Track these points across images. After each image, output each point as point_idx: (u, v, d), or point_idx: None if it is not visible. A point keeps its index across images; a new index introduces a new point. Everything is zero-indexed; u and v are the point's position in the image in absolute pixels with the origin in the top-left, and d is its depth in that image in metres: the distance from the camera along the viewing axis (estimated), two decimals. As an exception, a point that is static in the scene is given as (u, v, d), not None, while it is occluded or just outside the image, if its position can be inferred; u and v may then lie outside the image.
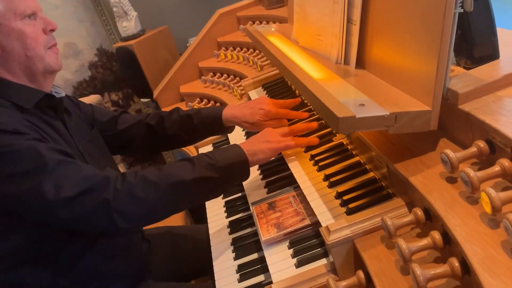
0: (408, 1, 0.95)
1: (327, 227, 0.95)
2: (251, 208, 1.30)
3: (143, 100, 3.13)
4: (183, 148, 2.18)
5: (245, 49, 2.37)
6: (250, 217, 1.33)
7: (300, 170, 1.26)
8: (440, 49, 0.84)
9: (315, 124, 1.34)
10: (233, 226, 1.34)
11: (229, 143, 1.73)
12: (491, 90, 0.88)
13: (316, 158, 1.26)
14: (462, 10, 0.83)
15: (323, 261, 1.02)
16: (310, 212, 1.14)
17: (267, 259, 1.10)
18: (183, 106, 2.58)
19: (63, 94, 1.28)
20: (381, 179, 1.08)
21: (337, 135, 1.31)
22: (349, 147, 1.25)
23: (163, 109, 2.57)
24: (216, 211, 1.45)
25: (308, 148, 1.32)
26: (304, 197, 1.15)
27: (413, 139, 0.99)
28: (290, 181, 1.32)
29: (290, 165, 1.30)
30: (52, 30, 1.19)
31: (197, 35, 2.67)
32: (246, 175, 1.19)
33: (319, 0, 1.33)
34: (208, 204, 1.50)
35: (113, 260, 1.24)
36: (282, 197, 1.28)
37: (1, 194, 1.01)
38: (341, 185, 1.12)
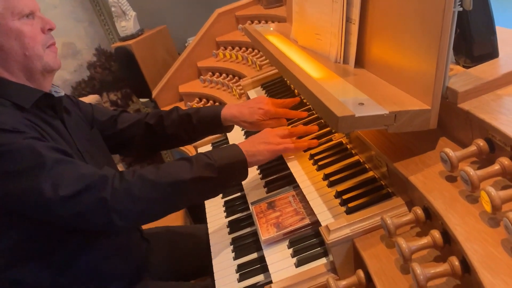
0: (407, 0, 0.95)
1: (326, 226, 0.95)
2: (250, 207, 1.30)
3: (142, 100, 3.13)
4: (182, 148, 2.18)
5: (244, 48, 2.37)
6: (250, 216, 1.33)
7: (300, 169, 1.26)
8: (439, 47, 0.84)
9: (315, 128, 1.34)
10: (233, 226, 1.34)
11: (228, 143, 1.73)
12: (490, 88, 0.88)
13: (316, 158, 1.26)
14: (461, 9, 0.83)
15: (323, 260, 1.02)
16: (310, 212, 1.14)
17: (266, 259, 1.10)
18: (182, 106, 2.57)
19: (63, 94, 1.28)
20: (380, 178, 1.08)
21: (336, 134, 1.31)
22: (348, 146, 1.25)
23: (162, 109, 2.56)
24: (215, 210, 1.45)
25: (308, 147, 1.32)
26: (304, 196, 1.15)
27: (413, 138, 0.99)
28: (290, 181, 1.32)
29: (290, 165, 1.30)
30: (51, 29, 1.19)
31: (196, 35, 2.66)
32: (245, 175, 1.19)
33: (318, -1, 1.33)
34: (208, 204, 1.50)
35: (112, 259, 1.24)
36: (282, 196, 1.28)
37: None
38: (340, 184, 1.12)
